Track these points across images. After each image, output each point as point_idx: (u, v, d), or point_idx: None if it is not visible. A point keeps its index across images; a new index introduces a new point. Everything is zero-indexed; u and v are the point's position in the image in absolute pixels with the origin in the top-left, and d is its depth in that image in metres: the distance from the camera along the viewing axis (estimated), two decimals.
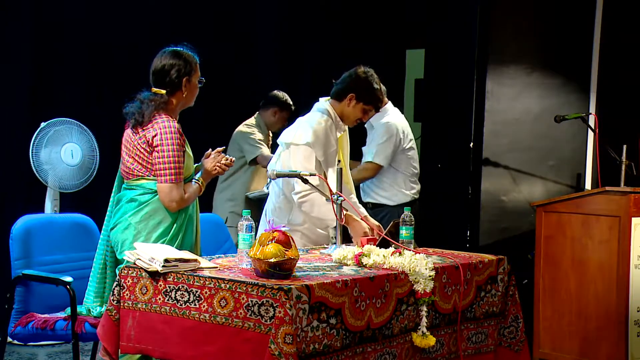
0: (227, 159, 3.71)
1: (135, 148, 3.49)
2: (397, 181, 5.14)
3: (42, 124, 5.03)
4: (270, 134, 5.82)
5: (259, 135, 5.64)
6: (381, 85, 4.14)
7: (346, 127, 4.13)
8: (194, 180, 3.61)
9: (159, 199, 3.48)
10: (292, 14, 6.53)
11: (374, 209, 5.07)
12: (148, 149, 3.46)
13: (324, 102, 4.06)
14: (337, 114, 4.00)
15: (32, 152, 4.98)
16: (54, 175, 5.07)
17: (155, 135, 3.44)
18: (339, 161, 4.11)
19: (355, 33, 6.44)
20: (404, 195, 5.15)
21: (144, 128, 3.48)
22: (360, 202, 4.82)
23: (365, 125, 5.13)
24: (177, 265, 3.03)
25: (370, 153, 5.11)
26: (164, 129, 3.45)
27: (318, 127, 3.90)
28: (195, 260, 3.09)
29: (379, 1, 6.63)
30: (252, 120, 5.76)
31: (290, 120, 4.85)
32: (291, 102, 5.78)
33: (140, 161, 3.49)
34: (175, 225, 3.52)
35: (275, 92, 5.80)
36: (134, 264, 3.14)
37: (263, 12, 6.50)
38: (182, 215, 3.56)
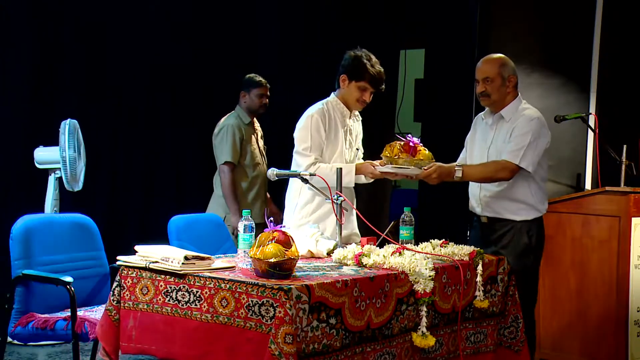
0: None
1: None
2: (531, 191, 4.02)
3: (64, 123, 4.97)
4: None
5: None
6: (377, 65, 4.15)
7: (357, 115, 4.29)
8: None
9: None
10: (292, 13, 6.52)
11: (491, 224, 4.09)
12: None
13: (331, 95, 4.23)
14: (341, 102, 4.18)
15: (71, 155, 4.94)
16: (81, 175, 5.08)
17: None
18: (357, 149, 4.22)
19: (354, 33, 6.43)
20: (535, 211, 4.02)
21: None
22: (466, 214, 4.38)
23: (488, 119, 4.20)
24: (194, 263, 3.01)
25: (509, 150, 3.95)
26: None
27: (309, 115, 4.10)
28: (209, 258, 3.08)
29: (378, 1, 6.62)
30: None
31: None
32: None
33: None
34: None
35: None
36: (147, 267, 3.09)
37: (263, 12, 6.50)
38: None
